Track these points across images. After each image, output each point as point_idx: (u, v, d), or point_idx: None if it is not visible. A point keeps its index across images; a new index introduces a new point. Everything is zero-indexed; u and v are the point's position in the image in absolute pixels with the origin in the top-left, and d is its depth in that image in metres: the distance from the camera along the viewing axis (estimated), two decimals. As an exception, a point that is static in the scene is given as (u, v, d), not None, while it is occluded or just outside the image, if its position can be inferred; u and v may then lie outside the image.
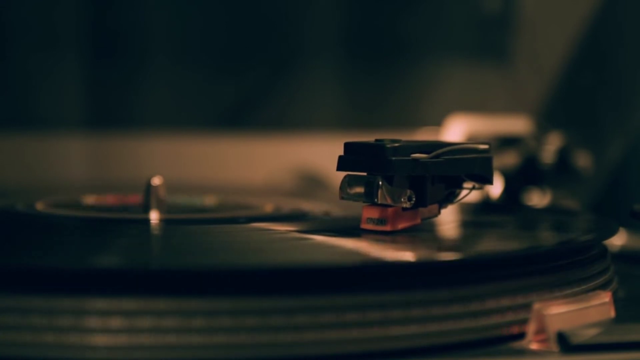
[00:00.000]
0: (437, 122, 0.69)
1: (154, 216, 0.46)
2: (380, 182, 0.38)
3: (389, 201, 0.38)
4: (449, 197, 0.41)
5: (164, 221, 0.45)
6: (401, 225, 0.39)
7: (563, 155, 0.60)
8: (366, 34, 0.79)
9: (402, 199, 0.39)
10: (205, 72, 0.76)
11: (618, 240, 0.53)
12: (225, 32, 0.76)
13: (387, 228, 0.39)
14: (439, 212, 0.41)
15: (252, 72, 0.77)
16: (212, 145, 0.75)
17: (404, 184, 0.39)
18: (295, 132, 0.76)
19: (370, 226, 0.39)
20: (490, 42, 0.80)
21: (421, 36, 0.79)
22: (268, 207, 0.50)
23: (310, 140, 0.76)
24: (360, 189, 0.39)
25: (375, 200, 0.38)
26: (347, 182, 0.39)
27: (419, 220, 0.40)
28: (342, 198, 0.39)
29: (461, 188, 0.41)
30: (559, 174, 0.60)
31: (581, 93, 0.74)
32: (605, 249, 0.42)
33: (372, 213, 0.39)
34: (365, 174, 0.39)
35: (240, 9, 0.77)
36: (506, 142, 0.61)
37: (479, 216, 0.52)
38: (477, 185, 0.41)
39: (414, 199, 0.39)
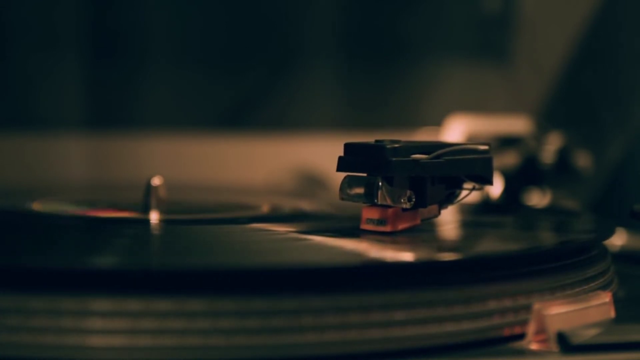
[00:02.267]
0: (437, 122, 0.69)
1: (154, 216, 0.46)
2: (380, 183, 0.38)
3: (389, 202, 0.38)
4: (449, 198, 0.41)
5: (163, 221, 0.45)
6: (401, 226, 0.39)
7: (563, 155, 0.60)
8: (366, 34, 0.79)
9: (402, 200, 0.39)
10: (205, 72, 0.76)
11: (618, 241, 0.53)
12: (225, 32, 0.76)
13: (387, 229, 0.39)
14: (439, 213, 0.41)
15: (252, 72, 0.77)
16: (212, 145, 0.75)
17: (404, 185, 0.39)
18: (295, 132, 0.76)
19: (370, 227, 0.39)
20: (490, 42, 0.80)
21: (421, 36, 0.79)
22: (268, 208, 0.50)
23: (310, 140, 0.76)
24: (360, 190, 0.39)
25: (375, 201, 0.38)
26: (347, 183, 0.39)
27: (418, 221, 0.40)
28: (342, 199, 0.39)
29: (461, 189, 0.41)
30: (559, 174, 0.60)
31: (581, 93, 0.74)
32: (605, 249, 0.42)
33: (372, 214, 0.39)
34: (365, 174, 0.39)
35: (240, 9, 0.77)
36: (506, 142, 0.61)
37: (479, 216, 0.52)
38: (477, 186, 0.41)
39: (414, 199, 0.39)
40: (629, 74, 0.71)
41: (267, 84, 0.77)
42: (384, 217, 0.39)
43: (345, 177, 0.39)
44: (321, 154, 0.70)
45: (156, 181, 0.47)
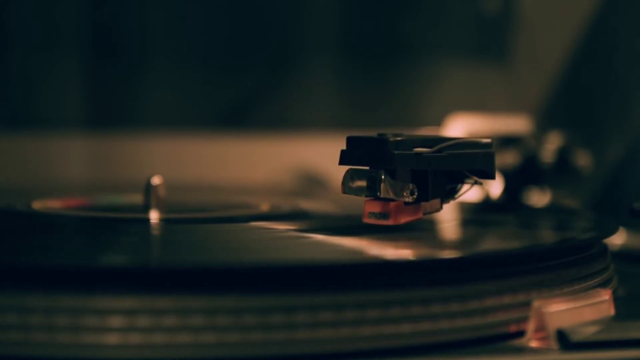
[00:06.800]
0: (437, 122, 0.69)
1: (154, 215, 0.46)
2: (383, 176, 0.38)
3: (391, 195, 0.38)
4: (451, 192, 0.41)
5: (163, 220, 0.45)
6: (403, 220, 0.39)
7: (563, 155, 0.60)
8: (366, 34, 0.79)
9: (405, 193, 0.38)
10: (205, 72, 0.76)
11: (618, 239, 0.53)
12: (225, 32, 0.76)
13: (389, 222, 0.38)
14: (441, 207, 0.41)
15: (252, 72, 0.77)
16: (212, 145, 0.75)
17: (406, 178, 0.39)
18: (295, 132, 0.76)
19: (372, 220, 0.39)
20: (490, 42, 0.80)
21: (421, 36, 0.79)
22: (267, 206, 0.50)
23: (310, 140, 0.76)
24: (362, 183, 0.38)
25: (378, 194, 0.38)
26: (350, 176, 0.39)
27: (421, 215, 0.40)
28: (344, 192, 0.39)
29: (463, 183, 0.41)
30: (559, 173, 0.60)
31: (581, 93, 0.74)
32: (605, 248, 0.42)
33: (374, 207, 0.39)
34: (367, 168, 0.38)
35: (240, 9, 0.77)
36: (506, 141, 0.61)
37: (479, 215, 0.52)
38: (479, 180, 0.41)
39: (416, 193, 0.39)
40: (628, 74, 0.71)
41: (267, 84, 0.78)
42: (386, 210, 0.38)
43: (347, 170, 0.39)
44: (321, 153, 0.70)
45: (156, 180, 0.47)
